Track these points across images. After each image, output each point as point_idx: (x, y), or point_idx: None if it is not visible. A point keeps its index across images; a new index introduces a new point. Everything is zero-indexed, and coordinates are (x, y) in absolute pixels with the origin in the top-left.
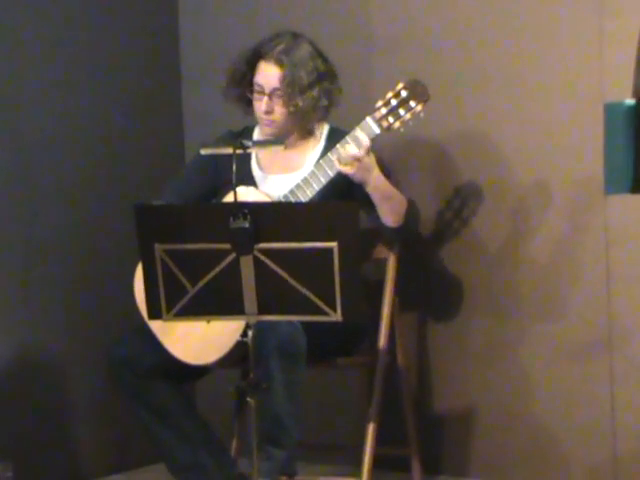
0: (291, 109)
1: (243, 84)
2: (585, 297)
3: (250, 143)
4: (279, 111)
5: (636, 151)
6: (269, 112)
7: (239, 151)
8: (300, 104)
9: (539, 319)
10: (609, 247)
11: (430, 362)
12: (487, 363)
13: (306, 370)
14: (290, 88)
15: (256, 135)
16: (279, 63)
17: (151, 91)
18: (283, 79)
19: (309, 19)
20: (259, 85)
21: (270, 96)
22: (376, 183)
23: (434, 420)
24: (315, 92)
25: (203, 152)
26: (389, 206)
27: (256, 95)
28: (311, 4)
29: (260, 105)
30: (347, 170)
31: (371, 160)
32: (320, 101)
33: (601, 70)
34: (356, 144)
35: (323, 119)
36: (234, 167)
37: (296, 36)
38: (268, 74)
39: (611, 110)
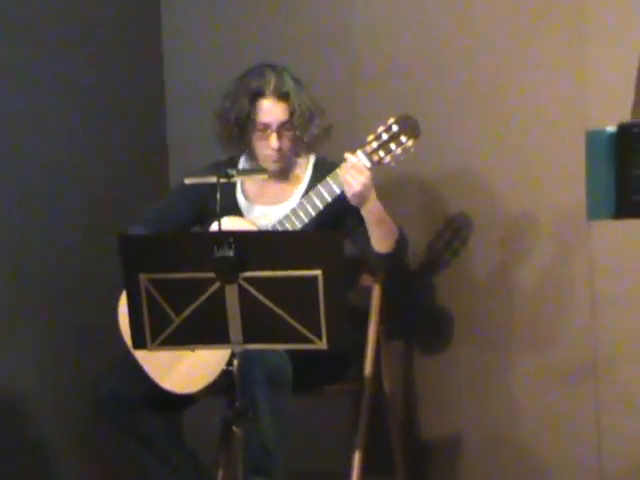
0: (305, 139)
1: (247, 126)
2: (571, 323)
3: (234, 172)
4: (287, 145)
5: (618, 177)
6: (280, 148)
7: (223, 180)
8: (315, 132)
9: (526, 346)
10: (594, 273)
11: (417, 390)
12: (474, 390)
13: (292, 398)
14: (301, 118)
15: (241, 165)
16: (283, 97)
17: (135, 118)
18: (292, 112)
19: (293, 50)
20: (264, 124)
21: (279, 132)
22: (372, 206)
23: (421, 448)
24: (318, 119)
25: (187, 181)
26: (382, 231)
27: (260, 134)
28: (295, 35)
29: (269, 143)
30: (350, 185)
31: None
32: (325, 127)
33: (585, 98)
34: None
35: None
36: (218, 196)
37: (278, 68)
38: (275, 110)
39: (593, 137)
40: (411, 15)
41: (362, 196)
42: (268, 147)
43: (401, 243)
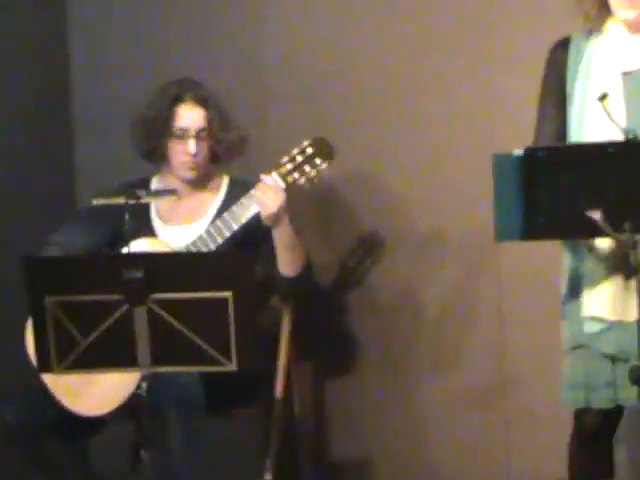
0: (223, 146)
1: (165, 131)
2: (479, 344)
3: (143, 193)
4: (204, 153)
5: (525, 200)
6: (197, 154)
7: (132, 201)
8: (232, 138)
9: (434, 366)
10: (501, 294)
11: (327, 413)
12: (384, 412)
13: (204, 422)
14: (219, 126)
15: (154, 186)
16: (202, 103)
17: (41, 139)
18: (210, 120)
19: (203, 71)
20: (182, 129)
21: (196, 138)
22: (285, 228)
23: (331, 471)
24: (235, 129)
25: (95, 202)
26: (291, 255)
27: (178, 140)
28: (205, 56)
29: (186, 149)
30: (267, 206)
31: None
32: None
33: (491, 123)
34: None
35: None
36: (126, 217)
37: (196, 80)
38: (193, 115)
39: (500, 161)
40: (323, 37)
41: (277, 217)
42: (185, 153)
43: (308, 268)
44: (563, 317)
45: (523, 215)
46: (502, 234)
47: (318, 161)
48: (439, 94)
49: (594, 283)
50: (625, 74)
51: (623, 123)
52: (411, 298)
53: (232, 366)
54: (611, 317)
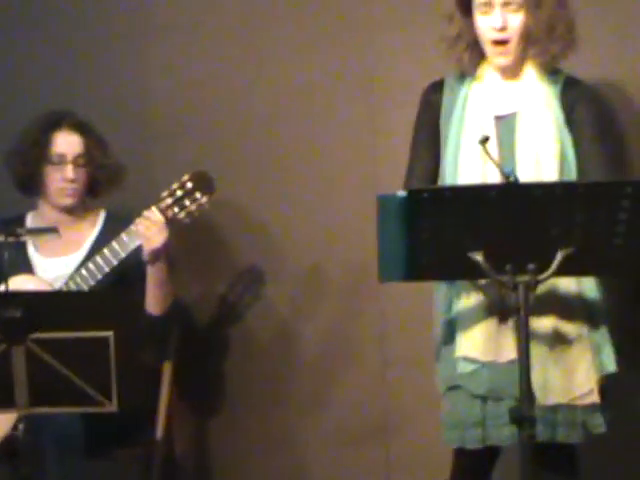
0: (100, 172)
1: (42, 158)
2: (362, 383)
3: (23, 231)
4: (81, 180)
5: (408, 241)
6: (75, 180)
7: (11, 239)
8: (110, 165)
9: (316, 406)
10: (385, 334)
11: (209, 453)
12: (266, 451)
13: (84, 463)
14: (96, 151)
15: (29, 222)
16: (79, 129)
17: None
18: (87, 146)
19: (87, 105)
20: (59, 155)
21: (74, 164)
22: (162, 264)
23: None
24: (113, 158)
25: None
26: (162, 292)
27: (54, 167)
28: (90, 90)
29: (64, 175)
30: (151, 241)
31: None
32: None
33: (375, 162)
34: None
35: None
36: (6, 255)
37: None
38: (70, 141)
39: (384, 202)
40: (208, 72)
41: (159, 253)
42: (63, 179)
43: (175, 306)
44: (438, 359)
45: (406, 256)
46: (385, 275)
47: (198, 195)
48: (323, 133)
49: (467, 324)
50: (497, 118)
51: (495, 168)
52: (292, 336)
53: (112, 407)
54: (484, 358)
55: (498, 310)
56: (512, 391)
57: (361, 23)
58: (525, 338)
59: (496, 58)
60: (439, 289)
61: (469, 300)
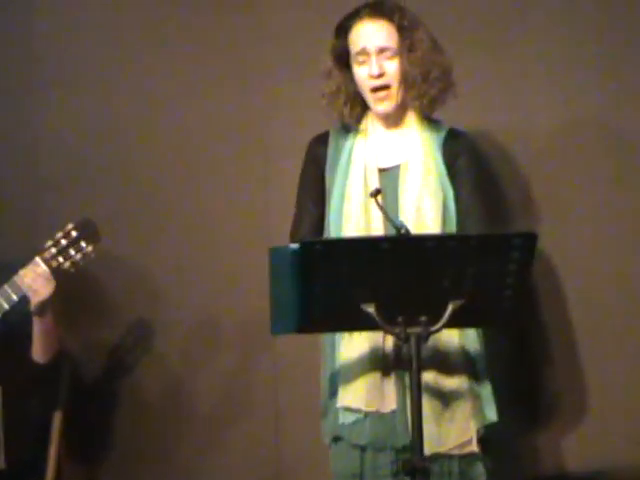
0: None
1: None
2: (255, 433)
3: None
4: None
5: (301, 292)
6: None
7: None
8: None
9: (209, 456)
10: (278, 384)
11: None
12: None
13: None
14: None
15: None
16: None
17: None
18: None
19: None
20: None
21: None
22: (49, 314)
23: None
24: None
25: None
26: (48, 341)
27: None
28: None
29: None
30: (38, 293)
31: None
32: None
33: (267, 213)
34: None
35: None
36: None
37: None
38: None
39: (276, 254)
40: (96, 126)
41: (47, 304)
42: None
43: (62, 355)
44: (323, 412)
45: (299, 308)
46: (278, 327)
47: (84, 244)
48: (216, 183)
49: (350, 374)
50: (381, 171)
51: (380, 220)
52: (184, 387)
53: (1, 464)
54: (367, 408)
55: (381, 361)
56: (393, 442)
57: (256, 74)
58: (417, 388)
59: (378, 105)
60: (325, 340)
61: (352, 351)
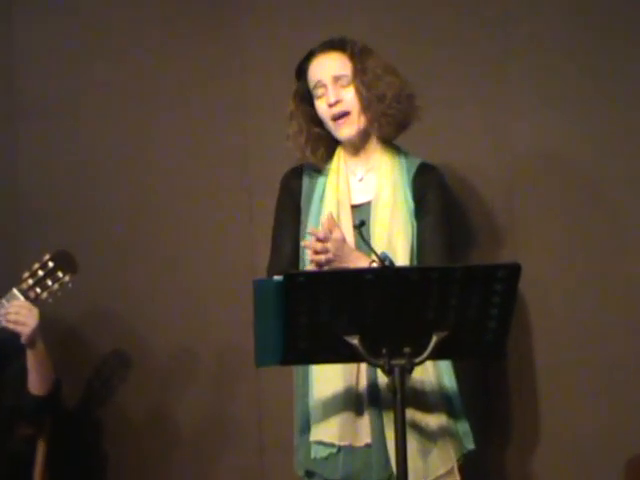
0: None
1: None
2: (238, 467)
3: None
4: None
5: (285, 325)
6: None
7: None
8: None
9: None
10: (262, 417)
11: None
12: None
13: None
14: None
15: None
16: None
17: None
18: None
19: None
20: None
21: None
22: (40, 345)
23: None
24: None
25: None
26: (43, 372)
27: None
28: None
29: None
30: (26, 325)
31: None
32: None
33: (252, 245)
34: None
35: None
36: None
37: None
38: None
39: (260, 286)
40: (75, 157)
41: (36, 333)
42: None
43: (57, 385)
44: (296, 447)
45: (283, 340)
46: (262, 359)
47: (61, 274)
48: (198, 215)
49: (323, 409)
50: (354, 207)
51: None
52: (164, 420)
53: None
54: (340, 442)
55: (354, 398)
56: (367, 476)
57: (236, 106)
58: (402, 420)
59: (339, 132)
60: (297, 377)
61: (326, 389)
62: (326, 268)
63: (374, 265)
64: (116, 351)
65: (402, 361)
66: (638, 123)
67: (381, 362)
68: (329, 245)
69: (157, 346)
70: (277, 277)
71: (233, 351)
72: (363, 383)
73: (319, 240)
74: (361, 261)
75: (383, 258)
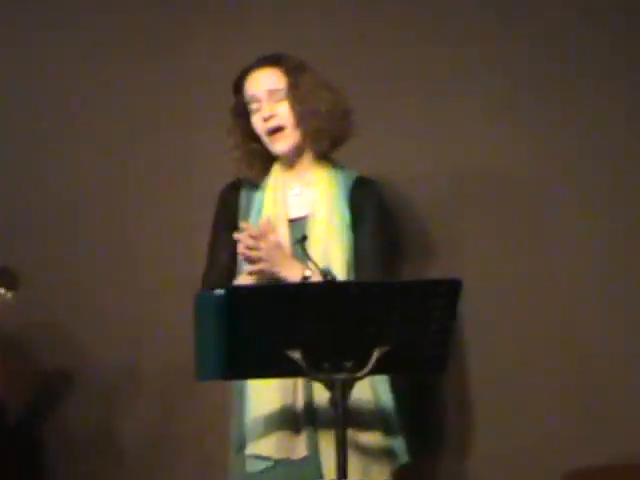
0: None
1: None
2: None
3: None
4: None
5: (227, 339)
6: None
7: None
8: None
9: None
10: (207, 433)
11: None
12: None
13: None
14: None
15: None
16: None
17: None
18: None
19: None
20: None
21: None
22: None
23: None
24: None
25: None
26: None
27: None
28: None
29: None
30: None
31: None
32: None
33: (190, 260)
34: None
35: None
36: None
37: None
38: None
39: (202, 300)
40: (19, 174)
41: None
42: None
43: (4, 402)
44: (231, 462)
45: (225, 354)
46: (203, 373)
47: (2, 291)
48: (139, 226)
49: (260, 426)
50: (291, 221)
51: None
52: (107, 436)
53: None
54: (277, 455)
55: (291, 415)
56: None
57: (180, 122)
58: (343, 433)
59: (275, 145)
60: (234, 393)
61: (262, 406)
62: (256, 269)
63: (308, 278)
64: (58, 366)
65: (343, 375)
66: (574, 139)
67: (323, 376)
68: (262, 244)
69: (101, 361)
70: (219, 291)
71: (178, 366)
72: (300, 400)
73: (252, 237)
74: (294, 269)
75: (325, 272)
